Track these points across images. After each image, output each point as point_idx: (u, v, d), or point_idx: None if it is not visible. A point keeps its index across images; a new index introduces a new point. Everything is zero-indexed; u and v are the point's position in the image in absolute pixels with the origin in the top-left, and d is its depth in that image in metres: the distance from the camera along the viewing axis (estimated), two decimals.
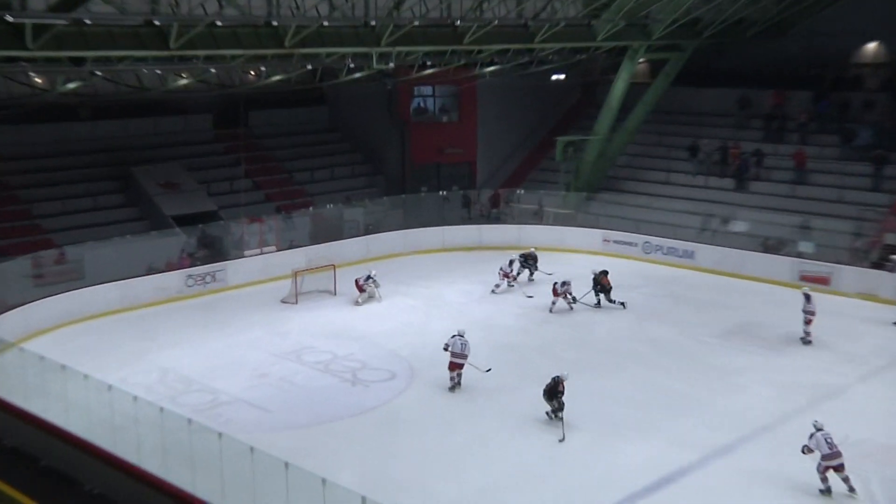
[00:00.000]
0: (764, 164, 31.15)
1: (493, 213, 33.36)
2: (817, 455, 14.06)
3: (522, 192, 34.08)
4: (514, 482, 14.56)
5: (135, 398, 14.94)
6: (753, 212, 29.11)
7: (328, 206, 31.95)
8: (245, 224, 28.47)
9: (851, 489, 13.90)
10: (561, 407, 16.46)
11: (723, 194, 30.97)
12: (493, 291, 25.54)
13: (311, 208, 31.79)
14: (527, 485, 14.45)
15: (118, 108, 31.21)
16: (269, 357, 20.72)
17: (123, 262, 25.19)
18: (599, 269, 24.69)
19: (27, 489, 12.16)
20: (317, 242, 29.01)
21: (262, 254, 27.81)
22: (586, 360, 20.33)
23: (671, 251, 29.01)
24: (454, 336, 18.64)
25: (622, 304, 24.04)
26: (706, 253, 28.25)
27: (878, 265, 25.26)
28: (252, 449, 12.93)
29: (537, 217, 32.46)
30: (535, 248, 27.44)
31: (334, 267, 26.15)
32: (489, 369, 18.96)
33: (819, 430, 14.18)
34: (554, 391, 16.57)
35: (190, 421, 14.67)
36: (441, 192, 33.66)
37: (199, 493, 13.11)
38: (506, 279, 25.79)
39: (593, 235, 30.54)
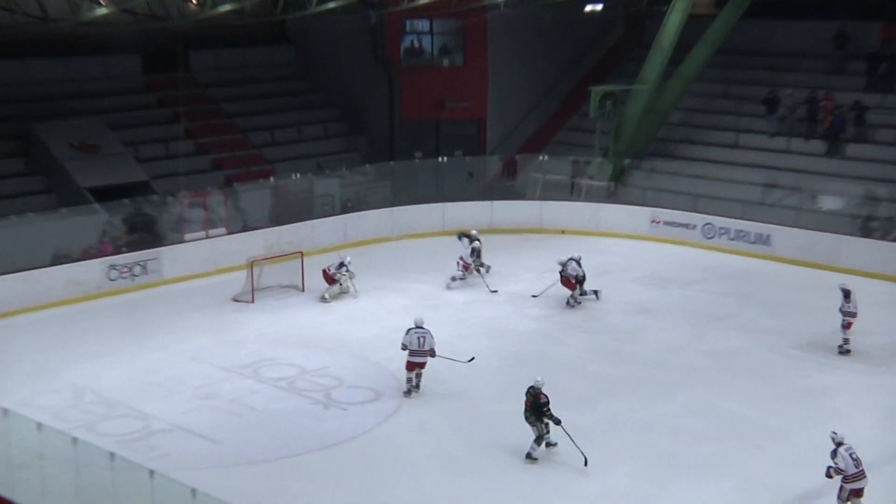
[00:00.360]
0: (866, 120, 31.07)
1: (508, 186, 33.35)
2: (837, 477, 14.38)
3: (546, 158, 34.09)
4: None
5: (39, 426, 14.89)
6: (851, 183, 29.06)
7: (294, 175, 31.92)
8: (186, 200, 28.40)
9: None
10: (557, 422, 16.41)
11: (810, 161, 30.96)
12: (448, 287, 25.92)
13: (271, 179, 31.75)
14: None
15: (16, 45, 31.04)
16: (217, 372, 20.71)
17: (24, 247, 25.19)
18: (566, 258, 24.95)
19: None
20: (279, 224, 29.04)
21: (207, 238, 27.84)
22: (627, 377, 20.32)
23: (740, 235, 29.06)
24: (410, 330, 19.13)
25: (595, 292, 24.59)
26: (787, 238, 28.27)
27: None
28: (194, 491, 12.89)
29: (565, 191, 32.43)
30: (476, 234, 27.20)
31: (302, 255, 26.14)
32: (472, 359, 20.03)
33: (840, 444, 14.39)
34: (538, 408, 16.45)
35: (113, 455, 14.63)
36: (440, 159, 33.65)
37: None
38: (465, 270, 26.09)
39: (638, 215, 30.59)
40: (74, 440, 14.81)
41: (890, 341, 21.93)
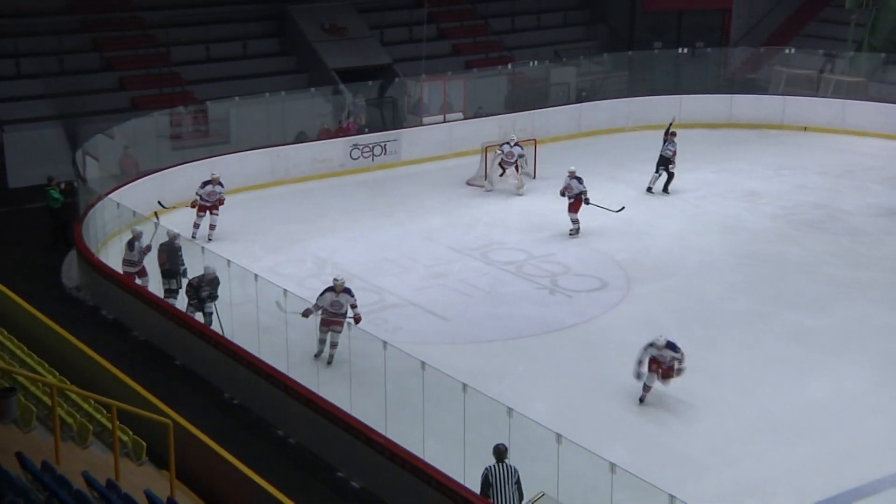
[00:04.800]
0: None
1: (750, 80, 31.98)
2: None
3: (792, 51, 32.39)
4: (755, 434, 14.15)
5: (285, 292, 15.53)
6: None
7: (531, 63, 31.58)
8: (426, 83, 28.64)
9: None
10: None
11: None
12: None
13: (509, 66, 31.54)
14: (772, 437, 14.01)
15: None
16: (447, 252, 21.00)
17: (276, 124, 26.12)
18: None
19: (158, 390, 13.00)
20: (515, 111, 28.89)
21: (445, 122, 28.01)
22: (869, 281, 19.36)
23: None
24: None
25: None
26: None
27: None
28: (423, 364, 13.18)
29: (812, 85, 30.78)
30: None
31: (536, 142, 25.95)
32: (622, 208, 21.21)
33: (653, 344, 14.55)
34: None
35: (350, 325, 15.19)
36: (681, 49, 32.48)
37: (357, 411, 13.62)
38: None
39: (891, 113, 28.68)
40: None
41: None
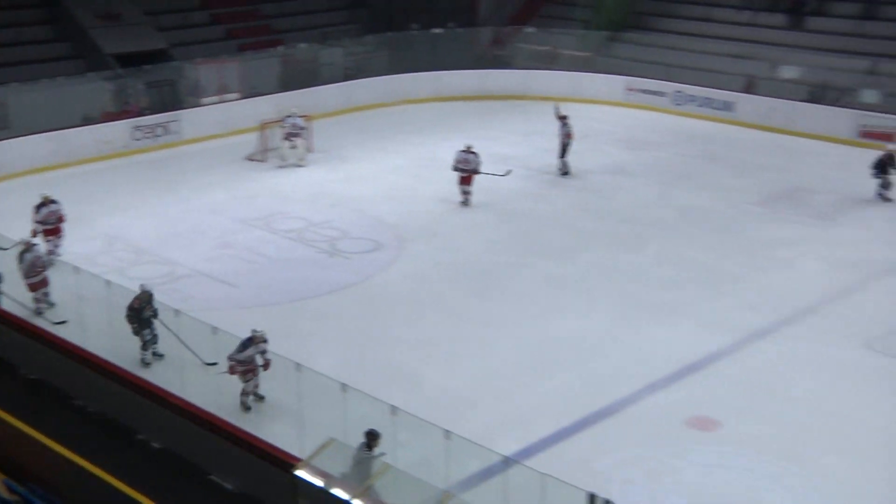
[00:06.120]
0: None
1: (498, 56, 32.72)
2: None
3: (533, 30, 33.30)
4: (516, 370, 14.66)
5: (76, 269, 14.84)
6: (810, 54, 28.49)
7: (300, 45, 31.22)
8: (202, 66, 27.85)
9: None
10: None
11: (774, 34, 30.23)
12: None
13: (279, 48, 31.07)
14: (532, 373, 14.56)
15: None
16: (232, 224, 20.62)
17: (56, 108, 24.78)
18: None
19: None
20: (288, 90, 28.54)
21: (222, 102, 27.37)
22: (605, 230, 20.29)
23: (707, 102, 28.66)
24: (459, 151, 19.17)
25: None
26: (749, 105, 27.88)
27: None
28: (215, 329, 12.94)
29: (549, 61, 31.83)
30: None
31: (309, 118, 25.76)
32: (509, 171, 21.49)
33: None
34: None
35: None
36: (435, 30, 32.83)
37: (156, 377, 13.23)
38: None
39: (615, 83, 30.12)
40: (108, 283, 14.85)
41: (841, 197, 21.93)
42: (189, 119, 26.44)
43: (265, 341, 13.08)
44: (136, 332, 14.32)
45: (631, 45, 31.80)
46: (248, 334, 13.17)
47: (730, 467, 12.28)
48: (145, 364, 14.31)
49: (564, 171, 23.55)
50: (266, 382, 13.01)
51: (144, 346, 14.40)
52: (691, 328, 15.91)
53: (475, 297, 17.15)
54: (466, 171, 21.47)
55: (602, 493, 9.85)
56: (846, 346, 15.24)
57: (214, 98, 27.44)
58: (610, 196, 22.47)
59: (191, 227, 20.35)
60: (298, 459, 10.90)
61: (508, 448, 11.84)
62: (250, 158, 24.86)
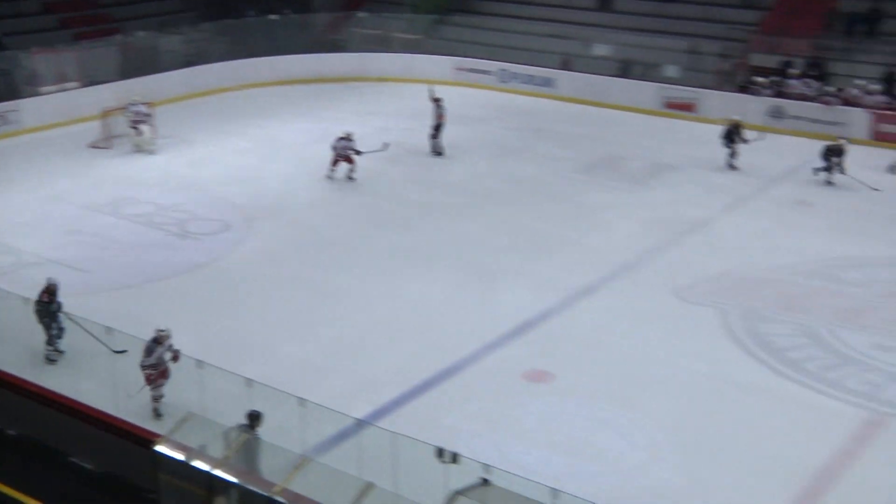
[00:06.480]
0: None
1: (333, 41, 32.39)
2: None
3: (365, 14, 33.11)
4: (366, 337, 14.68)
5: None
6: (618, 34, 29.44)
7: (137, 33, 30.01)
8: (38, 55, 26.42)
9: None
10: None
11: (586, 15, 31.06)
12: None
13: (117, 36, 29.77)
14: (380, 338, 14.62)
15: None
16: (79, 211, 19.74)
17: None
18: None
19: None
20: (129, 77, 27.42)
21: (61, 91, 26.05)
22: (439, 201, 20.47)
23: (529, 79, 29.23)
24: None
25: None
26: (567, 80, 28.62)
27: (744, 88, 26.29)
28: (68, 315, 12.40)
29: (382, 43, 31.75)
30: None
31: (152, 104, 24.83)
32: (387, 145, 21.56)
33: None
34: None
35: None
36: (271, 16, 32.18)
37: (8, 367, 12.59)
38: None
39: (443, 63, 30.31)
40: None
41: (650, 164, 22.84)
42: (28, 108, 25.06)
43: (170, 337, 12.14)
44: (47, 327, 13.23)
45: (457, 28, 32.05)
46: (104, 318, 12.67)
47: (565, 414, 12.69)
48: (51, 361, 13.30)
49: (438, 152, 23.42)
50: (122, 364, 12.56)
51: (50, 342, 13.31)
52: (525, 290, 16.29)
53: (323, 269, 17.04)
54: (348, 153, 21.37)
55: (450, 447, 10.00)
56: (659, 297, 15.95)
57: (53, 87, 26.09)
58: (445, 170, 22.66)
59: (36, 216, 19.35)
60: (158, 435, 10.63)
61: (361, 411, 11.89)
62: (94, 146, 23.80)
